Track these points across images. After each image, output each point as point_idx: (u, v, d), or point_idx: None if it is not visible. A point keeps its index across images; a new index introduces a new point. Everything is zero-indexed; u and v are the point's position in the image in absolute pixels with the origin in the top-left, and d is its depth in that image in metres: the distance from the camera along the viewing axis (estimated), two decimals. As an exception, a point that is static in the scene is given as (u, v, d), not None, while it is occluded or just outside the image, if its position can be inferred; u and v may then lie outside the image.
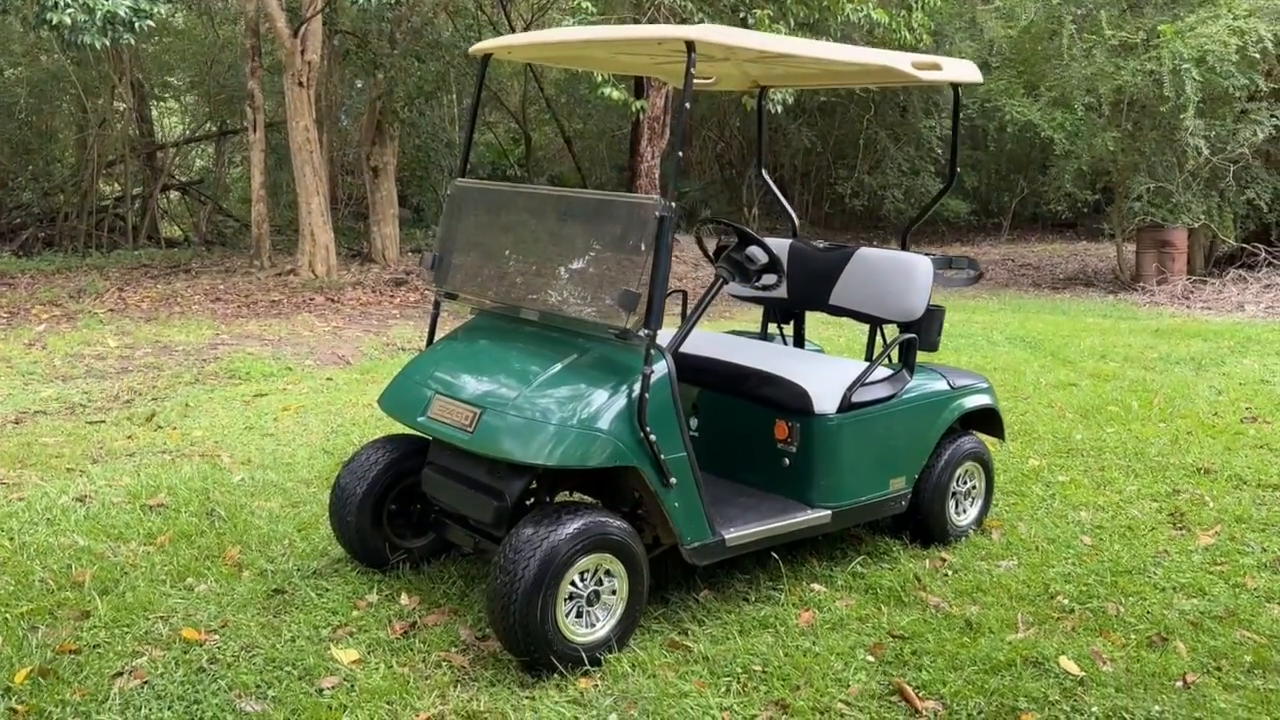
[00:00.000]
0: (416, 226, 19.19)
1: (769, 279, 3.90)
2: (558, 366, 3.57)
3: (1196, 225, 14.49)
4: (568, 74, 23.72)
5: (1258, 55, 13.25)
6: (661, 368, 3.44)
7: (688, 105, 3.37)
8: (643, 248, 3.34)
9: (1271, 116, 13.76)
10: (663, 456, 3.42)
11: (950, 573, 4.23)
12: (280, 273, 13.71)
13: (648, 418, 3.37)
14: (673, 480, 3.46)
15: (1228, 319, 11.75)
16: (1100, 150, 15.66)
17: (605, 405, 3.40)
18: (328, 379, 7.68)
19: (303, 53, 12.79)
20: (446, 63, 14.41)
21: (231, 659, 3.37)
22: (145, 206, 18.16)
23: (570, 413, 3.39)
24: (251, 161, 14.20)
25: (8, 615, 3.61)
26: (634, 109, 9.97)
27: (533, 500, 3.70)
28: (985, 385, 4.65)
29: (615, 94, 9.97)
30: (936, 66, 4.14)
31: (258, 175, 14.23)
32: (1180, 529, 4.77)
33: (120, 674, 3.27)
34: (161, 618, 3.63)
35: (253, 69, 14.00)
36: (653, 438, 3.39)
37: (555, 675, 3.30)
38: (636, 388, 3.41)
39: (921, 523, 4.42)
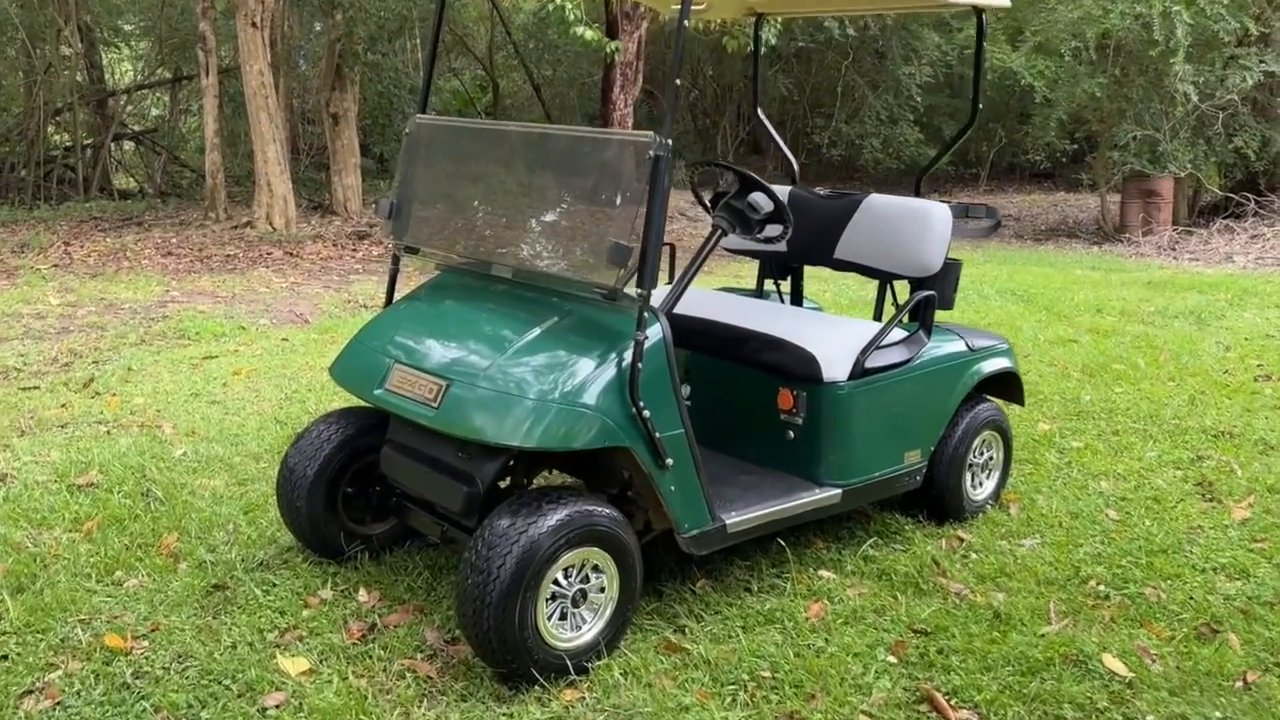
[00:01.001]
0: (380, 177, 18.49)
1: (773, 230, 3.44)
2: (535, 332, 3.11)
3: (1183, 174, 14.14)
4: (537, 18, 22.99)
5: (1250, -2, 12.85)
6: (656, 332, 2.98)
7: (686, 23, 2.88)
8: (634, 194, 2.87)
9: (1261, 63, 13.37)
10: (657, 434, 2.98)
11: (970, 554, 3.84)
12: (236, 225, 13.08)
13: (640, 390, 2.92)
14: (669, 461, 3.02)
15: (1219, 270, 11.43)
16: (1081, 98, 15.25)
17: (591, 377, 2.94)
18: (283, 339, 7.16)
19: (256, -9, 12.08)
20: (410, 1, 13.69)
21: (160, 672, 2.92)
22: (96, 157, 17.35)
23: (551, 385, 2.93)
24: (205, 109, 13.48)
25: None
26: (608, 51, 9.41)
27: (508, 483, 3.26)
28: (1005, 346, 4.23)
29: (589, 34, 9.38)
30: (963, -12, 3.67)
31: (211, 123, 13.51)
32: (1210, 500, 4.40)
33: (30, 692, 2.81)
34: (83, 620, 3.17)
35: (204, 9, 13.25)
36: (646, 414, 2.94)
37: (536, 687, 2.87)
38: (627, 356, 2.96)
39: (936, 498, 4.02)
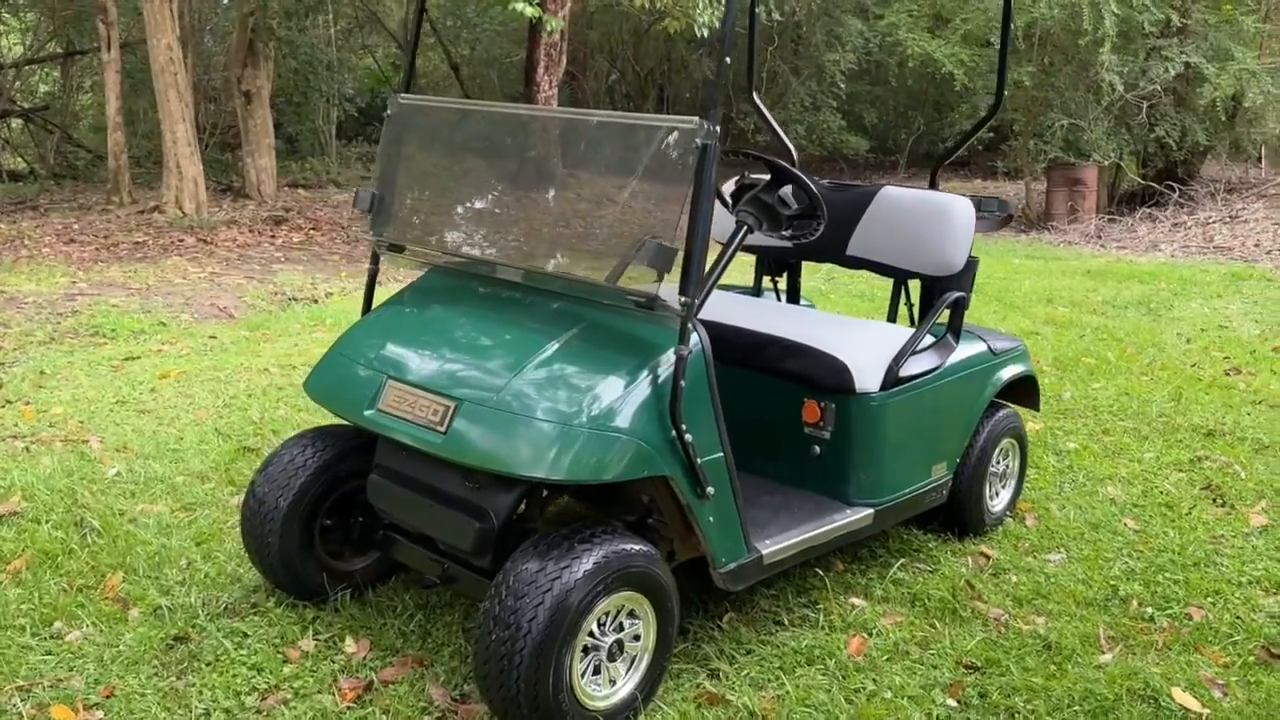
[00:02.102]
0: (290, 158, 17.70)
1: (804, 226, 3.10)
2: (553, 344, 2.72)
3: (1106, 163, 14.30)
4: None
5: (1173, -12, 13.00)
6: (695, 345, 2.63)
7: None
8: (677, 188, 2.50)
9: (1181, 54, 13.56)
10: (699, 460, 2.63)
11: (1000, 573, 3.59)
12: (143, 210, 12.27)
13: (686, 412, 2.56)
14: (709, 490, 2.68)
15: (1150, 259, 11.54)
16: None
17: (623, 397, 2.58)
18: (210, 337, 6.60)
19: (161, -40, 11.29)
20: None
21: (124, 751, 2.47)
22: (-18, 135, 16.20)
23: (577, 407, 2.56)
24: (106, 85, 12.60)
25: None
26: (549, 29, 8.96)
27: (519, 518, 2.87)
28: (1023, 349, 3.99)
29: (529, 10, 8.92)
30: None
31: (113, 100, 12.63)
32: (1223, 506, 4.24)
33: (-37, 787, 2.35)
34: (21, 688, 2.69)
35: (103, -21, 12.36)
36: (688, 438, 2.59)
37: (569, 753, 2.51)
38: (663, 372, 2.60)
39: (957, 512, 3.76)
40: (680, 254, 2.50)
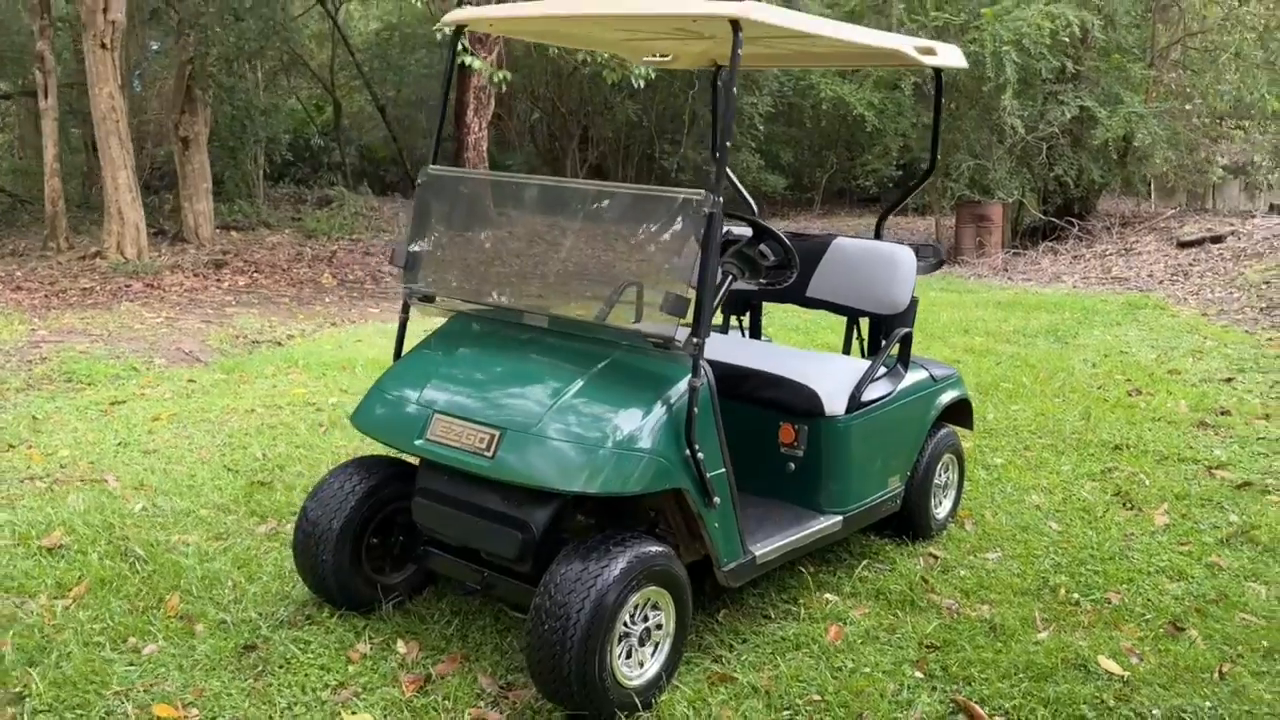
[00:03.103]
0: (219, 200, 17.80)
1: (779, 275, 3.65)
2: (580, 380, 3.20)
3: (1010, 200, 15.29)
4: (379, 37, 22.62)
5: (1066, 39, 14.05)
6: (701, 377, 3.13)
7: (734, 89, 3.06)
8: (689, 248, 3.02)
9: (1076, 98, 14.63)
10: (708, 474, 3.13)
11: (948, 570, 4.15)
12: (83, 256, 12.36)
13: (697, 433, 3.07)
14: (716, 500, 3.18)
15: (1054, 290, 12.41)
16: (909, 129, 16.31)
17: (645, 422, 3.07)
18: (189, 380, 6.89)
19: (105, 10, 11.50)
20: (267, 19, 13.29)
21: (227, 739, 2.86)
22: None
23: (607, 431, 3.04)
24: (44, 131, 12.69)
25: (-74, 709, 2.95)
26: (495, 80, 9.45)
27: (553, 529, 3.32)
28: (958, 376, 4.59)
29: (478, 64, 9.41)
30: (932, 51, 3.99)
31: (50, 147, 12.74)
32: (1132, 509, 4.88)
33: (96, 773, 2.71)
34: (119, 693, 3.05)
35: (42, 29, 12.55)
36: (700, 455, 3.09)
37: (608, 725, 2.97)
38: (675, 400, 3.10)
39: (909, 519, 4.32)
40: (693, 301, 3.01)
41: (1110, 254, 14.43)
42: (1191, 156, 15.97)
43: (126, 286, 10.99)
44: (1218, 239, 13.73)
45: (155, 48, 16.19)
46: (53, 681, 3.09)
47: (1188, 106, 15.77)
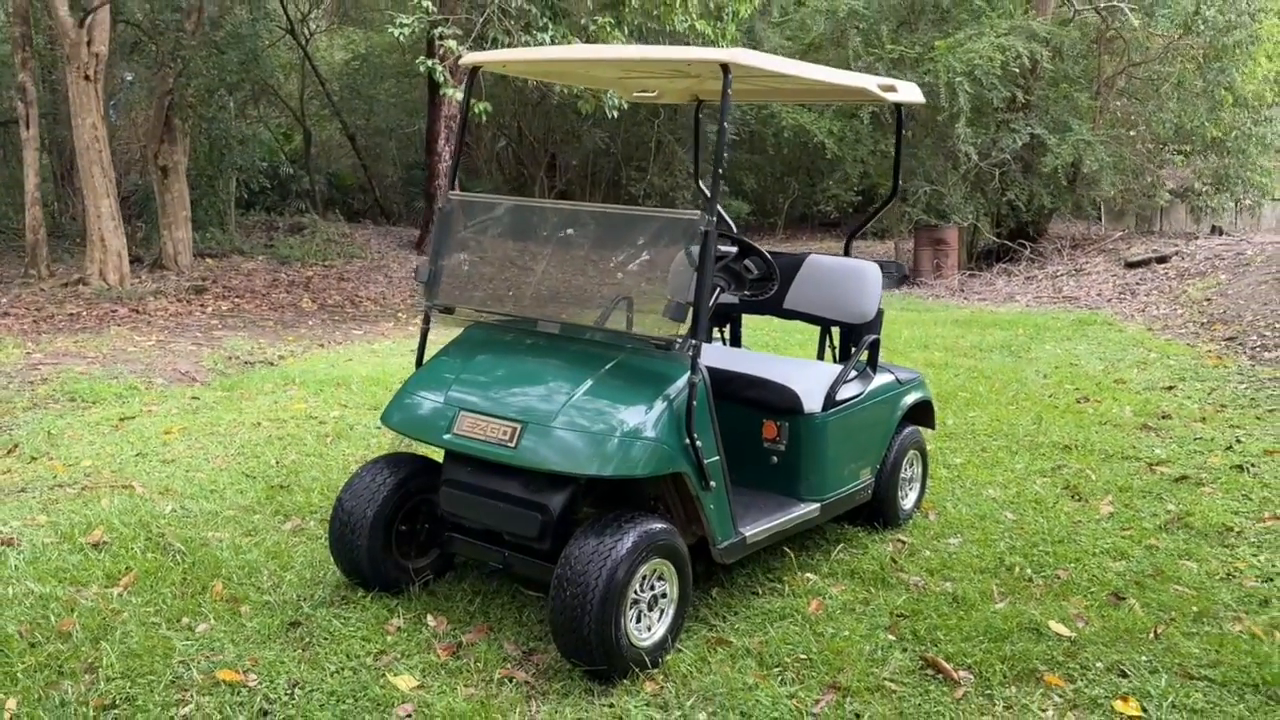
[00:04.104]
0: (194, 229, 18.04)
1: (762, 287, 4.09)
2: (590, 379, 3.62)
3: (965, 224, 15.94)
4: (349, 67, 23.00)
5: (1017, 70, 14.75)
6: (701, 375, 3.56)
7: (727, 125, 3.51)
8: (688, 261, 3.46)
9: (1026, 126, 15.34)
10: (705, 461, 3.55)
11: (914, 553, 4.59)
12: (66, 283, 12.60)
13: (696, 424, 3.49)
14: (712, 484, 3.60)
15: (1008, 309, 13.00)
16: (868, 157, 16.96)
17: (650, 414, 3.49)
18: (193, 398, 7.21)
19: (89, 44, 11.82)
20: (248, 51, 13.65)
21: (286, 698, 3.22)
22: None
23: (617, 423, 3.46)
24: (25, 161, 12.93)
25: (18, 671, 3.27)
26: (476, 112, 9.88)
27: (567, 511, 3.72)
28: (921, 379, 5.05)
29: (459, 95, 9.82)
30: (893, 89, 4.48)
31: (31, 177, 12.98)
32: (1079, 500, 5.36)
33: (177, 725, 3.06)
34: (182, 662, 3.40)
35: (23, 60, 12.79)
36: (699, 443, 3.51)
37: (623, 681, 3.36)
38: (676, 395, 3.52)
39: (879, 508, 4.76)
40: (691, 308, 3.44)
41: (1061, 274, 15.08)
42: (1138, 181, 16.73)
43: (112, 312, 11.25)
44: (1163, 259, 14.42)
45: (130, 79, 16.45)
46: (120, 654, 3.43)
47: (1132, 133, 16.55)
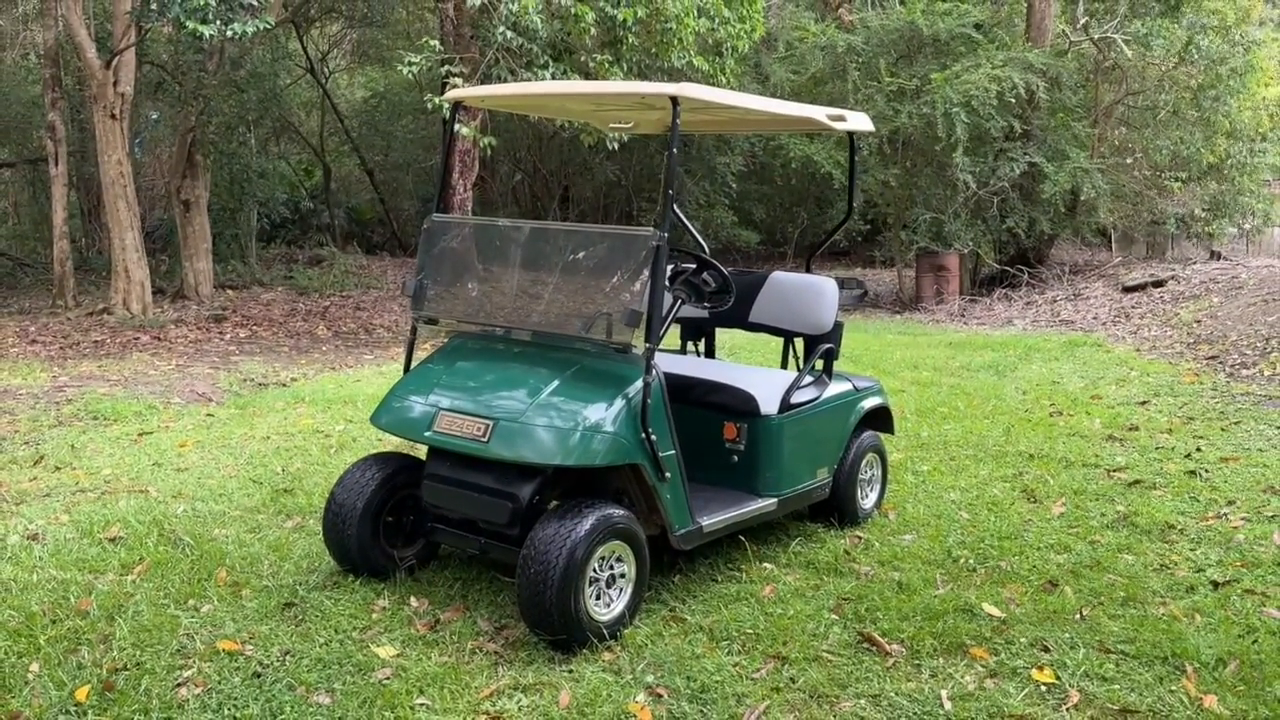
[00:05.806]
0: (217, 260, 18.62)
1: (718, 299, 4.48)
2: (556, 380, 4.00)
3: (965, 251, 16.27)
4: (367, 104, 23.67)
5: (1013, 100, 15.13)
6: (653, 376, 3.94)
7: (675, 151, 3.91)
8: (642, 273, 3.85)
9: (1024, 155, 15.69)
10: (660, 454, 3.92)
11: (869, 547, 4.93)
12: (91, 312, 13.14)
13: (650, 420, 3.86)
14: (667, 475, 3.97)
15: (1004, 332, 13.31)
16: (874, 186, 17.37)
17: (609, 411, 3.87)
18: (208, 415, 7.64)
19: (115, 84, 12.40)
20: (268, 90, 14.24)
21: (278, 663, 3.59)
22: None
23: (579, 419, 3.84)
24: (54, 197, 13.53)
25: (41, 641, 3.67)
26: (483, 144, 10.36)
27: (536, 500, 4.09)
28: (879, 387, 5.41)
29: (467, 130, 10.31)
30: (843, 118, 4.87)
31: (59, 211, 13.59)
32: (1034, 502, 5.68)
33: (180, 684, 3.44)
34: (187, 634, 3.79)
35: (53, 100, 13.40)
36: (654, 437, 3.88)
37: (583, 651, 3.72)
38: (634, 394, 3.90)
39: (837, 506, 5.10)
40: (645, 316, 3.83)
41: (1060, 299, 15.38)
42: (1136, 208, 17.03)
43: (135, 339, 11.75)
44: (1159, 283, 14.70)
45: (155, 117, 17.10)
46: (132, 629, 3.82)
47: (1129, 161, 16.88)
